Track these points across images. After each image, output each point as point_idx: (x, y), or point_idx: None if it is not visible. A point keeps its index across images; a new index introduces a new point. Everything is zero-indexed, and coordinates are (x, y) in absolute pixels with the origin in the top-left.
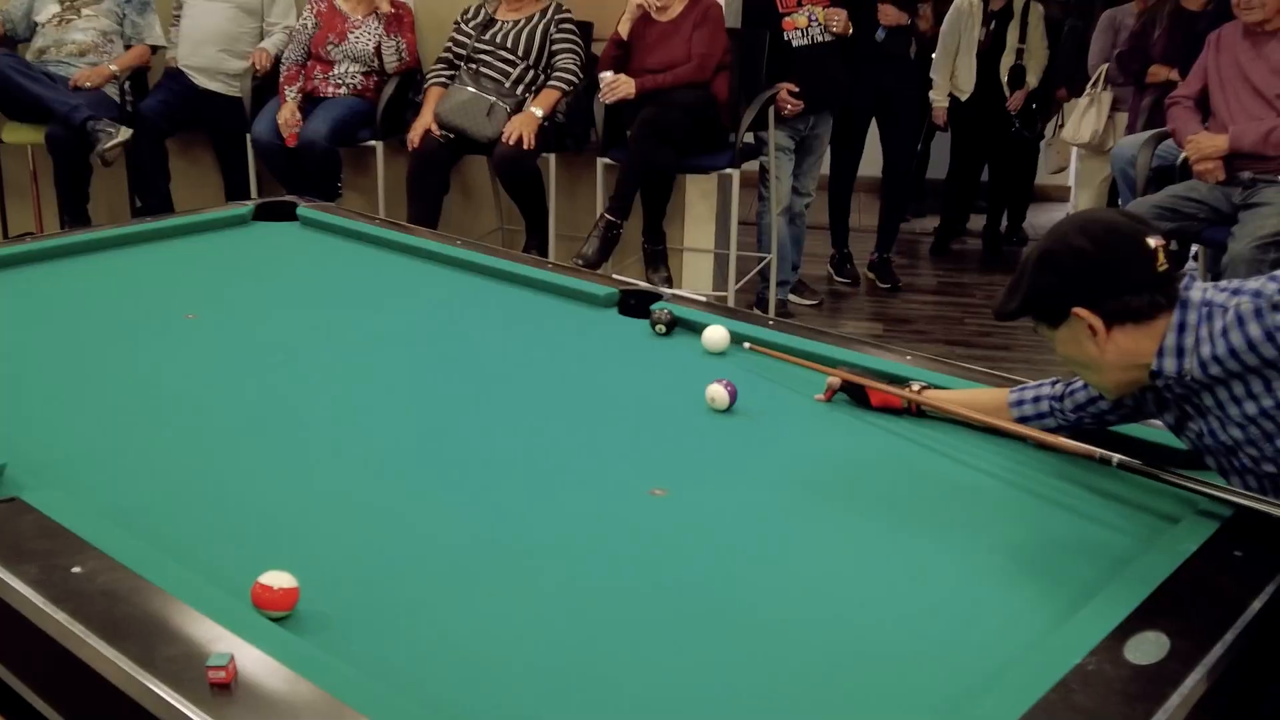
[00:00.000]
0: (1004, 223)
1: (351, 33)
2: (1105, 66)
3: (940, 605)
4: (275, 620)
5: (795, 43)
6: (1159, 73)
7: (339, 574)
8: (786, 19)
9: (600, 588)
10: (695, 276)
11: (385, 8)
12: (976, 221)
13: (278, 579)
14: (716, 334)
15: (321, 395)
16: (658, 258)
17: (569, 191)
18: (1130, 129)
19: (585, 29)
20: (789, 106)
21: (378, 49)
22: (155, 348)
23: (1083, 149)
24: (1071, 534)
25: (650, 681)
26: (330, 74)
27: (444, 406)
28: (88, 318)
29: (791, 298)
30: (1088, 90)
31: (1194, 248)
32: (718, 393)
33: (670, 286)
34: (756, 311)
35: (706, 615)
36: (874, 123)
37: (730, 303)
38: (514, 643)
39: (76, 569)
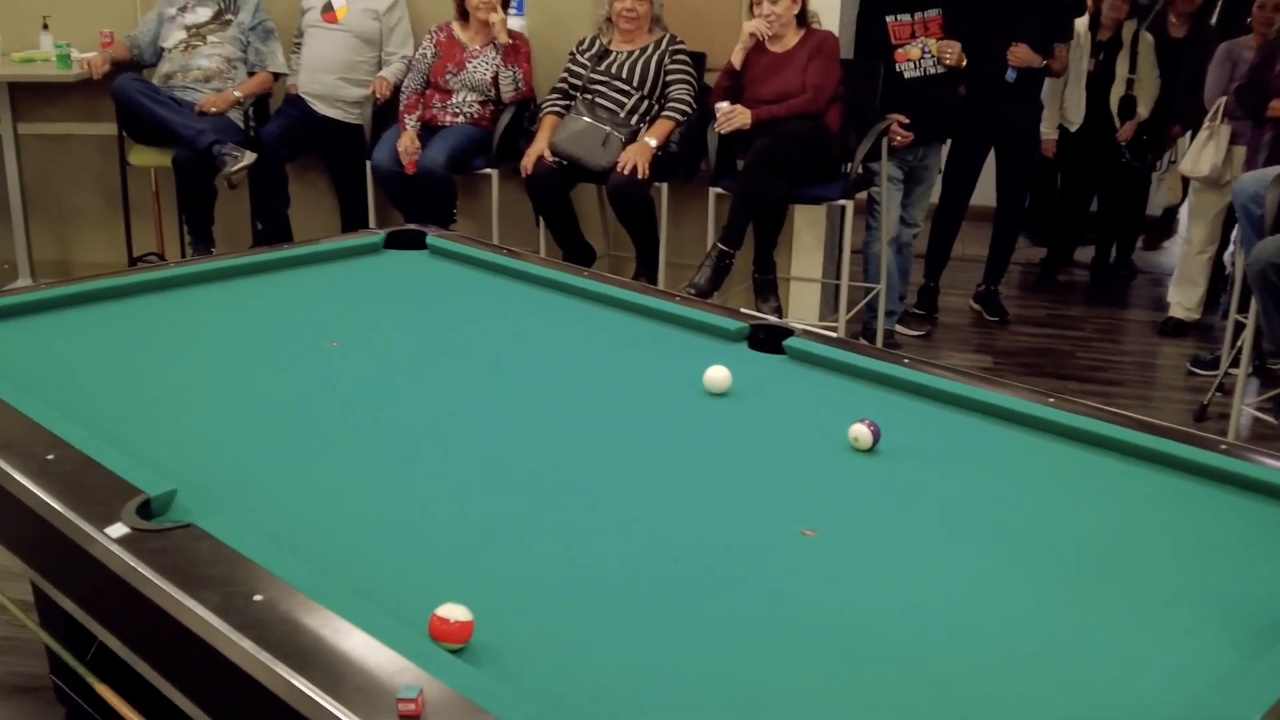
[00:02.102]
0: (1112, 254)
1: (470, 62)
2: (1223, 99)
3: (1103, 654)
4: (451, 653)
5: (907, 74)
6: (1279, 107)
7: (504, 605)
8: (899, 50)
9: (768, 627)
10: (801, 306)
11: (503, 38)
12: (1084, 253)
13: (454, 611)
14: (717, 375)
15: (471, 423)
16: (768, 287)
17: (678, 220)
18: (1249, 164)
19: (698, 59)
20: (899, 138)
21: (495, 79)
22: (305, 374)
23: (1199, 182)
24: (1242, 584)
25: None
26: (448, 103)
27: (589, 438)
28: (237, 343)
29: (898, 328)
30: (1206, 123)
31: None
32: (861, 432)
33: (780, 316)
34: (863, 341)
35: (873, 655)
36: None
37: (841, 332)
38: (680, 675)
39: (258, 596)
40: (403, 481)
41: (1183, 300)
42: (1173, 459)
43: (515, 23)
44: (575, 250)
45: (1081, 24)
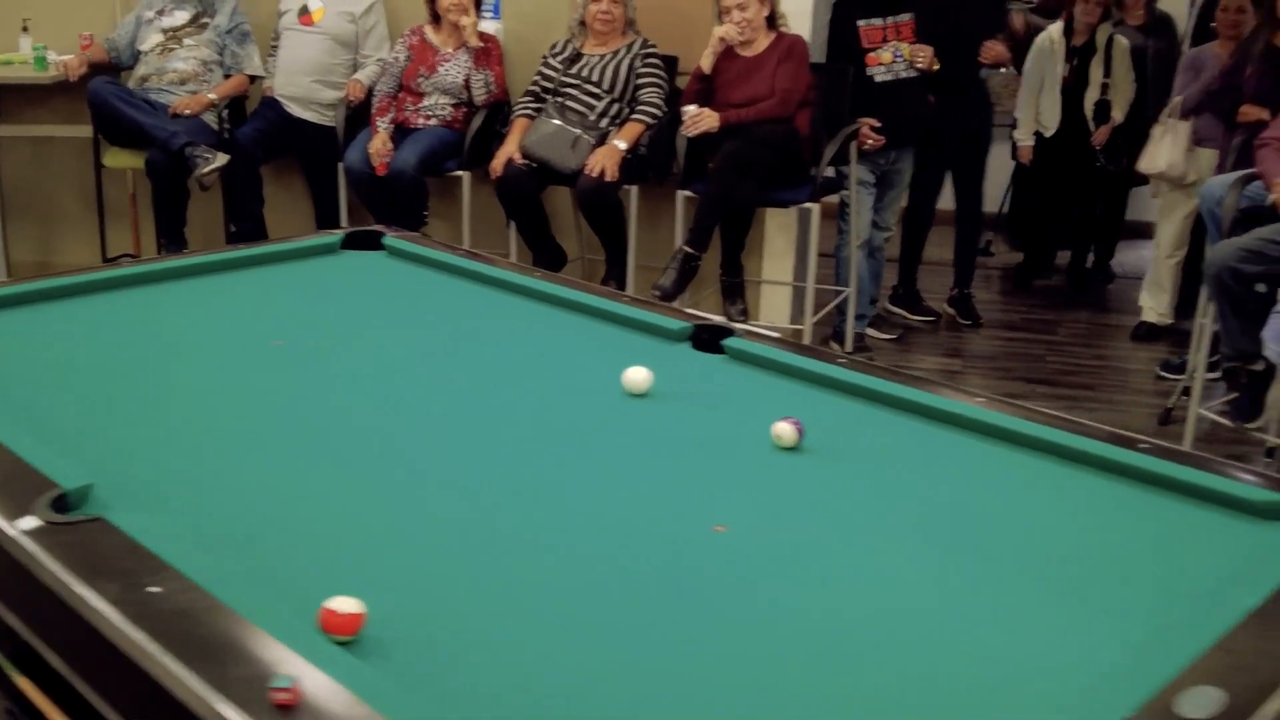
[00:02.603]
0: (1090, 259)
1: (442, 65)
2: (1177, 100)
3: (995, 649)
4: (340, 644)
5: (878, 78)
6: (1250, 112)
7: (410, 601)
8: (871, 54)
9: (669, 623)
10: (772, 309)
11: (475, 41)
12: (1064, 258)
13: (344, 604)
14: (636, 375)
15: (400, 423)
16: (735, 290)
17: (649, 223)
18: (1220, 168)
19: (670, 63)
20: (870, 142)
21: (467, 81)
22: (242, 373)
23: (1161, 181)
24: (1141, 578)
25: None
26: (420, 105)
27: (512, 437)
28: (177, 341)
29: (869, 331)
30: (1161, 118)
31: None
32: (784, 430)
33: (747, 319)
34: (834, 346)
35: (782, 655)
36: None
37: (807, 337)
38: (573, 671)
39: (155, 589)
40: (325, 479)
41: (1154, 304)
42: (1095, 458)
43: (488, 25)
44: (546, 253)
45: (1056, 29)
